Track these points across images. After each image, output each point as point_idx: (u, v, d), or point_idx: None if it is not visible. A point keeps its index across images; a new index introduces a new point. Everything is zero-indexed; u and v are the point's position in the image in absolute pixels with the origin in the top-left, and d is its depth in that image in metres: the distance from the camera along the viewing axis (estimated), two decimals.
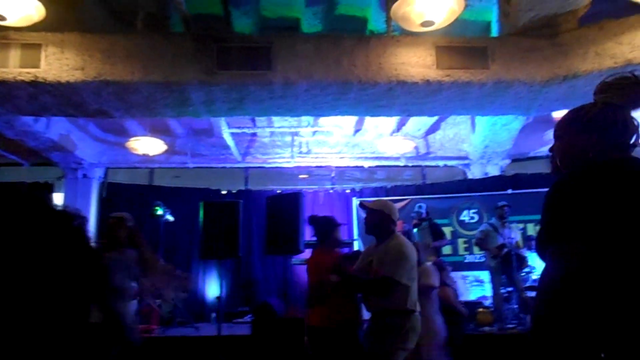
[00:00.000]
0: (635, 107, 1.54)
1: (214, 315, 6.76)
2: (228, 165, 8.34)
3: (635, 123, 1.51)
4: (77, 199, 7.77)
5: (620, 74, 1.56)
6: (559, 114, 6.75)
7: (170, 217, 6.83)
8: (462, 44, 4.65)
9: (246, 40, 4.62)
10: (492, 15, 4.85)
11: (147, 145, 6.82)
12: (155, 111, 5.14)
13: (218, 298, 6.03)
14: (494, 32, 4.88)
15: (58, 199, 7.80)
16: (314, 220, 3.60)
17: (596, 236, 1.34)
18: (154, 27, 4.90)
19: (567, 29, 4.43)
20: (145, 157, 7.26)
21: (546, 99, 4.79)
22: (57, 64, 4.35)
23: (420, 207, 6.94)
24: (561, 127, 1.60)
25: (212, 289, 7.48)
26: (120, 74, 4.42)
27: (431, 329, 4.22)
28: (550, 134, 5.53)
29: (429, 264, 4.50)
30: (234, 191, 8.26)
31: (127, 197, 7.91)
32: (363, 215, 8.03)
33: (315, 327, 3.30)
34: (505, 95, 4.78)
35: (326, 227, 3.54)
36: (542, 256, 1.50)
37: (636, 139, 1.50)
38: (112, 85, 4.48)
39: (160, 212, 6.63)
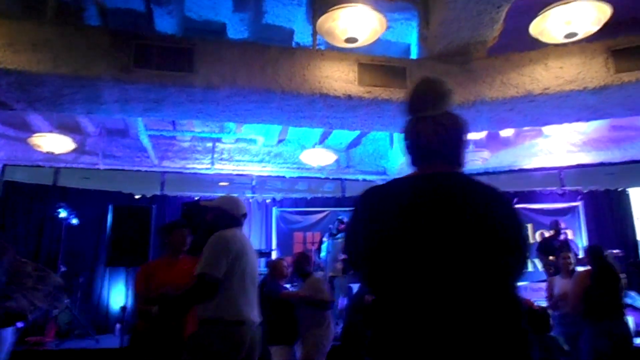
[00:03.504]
0: (416, 112, 1.47)
1: (118, 326, 6.37)
2: (143, 168, 7.96)
3: (436, 132, 1.42)
4: None
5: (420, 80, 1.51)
6: (468, 136, 7.21)
7: (74, 220, 6.37)
8: (383, 62, 4.83)
9: (168, 40, 4.45)
10: (412, 39, 5.09)
11: (52, 143, 6.33)
12: (63, 106, 4.78)
13: (123, 308, 5.70)
14: (413, 54, 5.13)
15: None
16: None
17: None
18: (66, 18, 4.59)
19: (477, 57, 4.76)
20: (50, 155, 6.73)
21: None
22: None
23: (343, 218, 7.03)
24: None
25: (118, 298, 7.06)
26: (24, 64, 4.06)
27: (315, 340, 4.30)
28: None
29: (319, 274, 4.62)
30: (148, 196, 7.90)
31: (26, 197, 7.28)
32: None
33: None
34: None
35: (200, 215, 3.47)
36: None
37: (438, 149, 1.41)
38: (14, 75, 4.10)
39: (63, 214, 6.16)
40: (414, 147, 1.45)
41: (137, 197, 7.83)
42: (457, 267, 1.23)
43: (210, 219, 2.91)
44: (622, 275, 4.69)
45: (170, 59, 4.33)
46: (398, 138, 7.61)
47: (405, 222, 1.28)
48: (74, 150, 6.97)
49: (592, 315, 4.24)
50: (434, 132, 1.42)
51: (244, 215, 2.96)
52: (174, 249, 3.50)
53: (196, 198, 8.01)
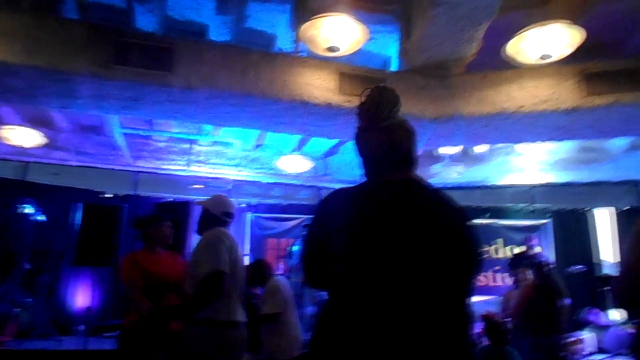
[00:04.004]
0: (368, 128, 1.48)
1: (82, 327, 6.20)
2: (116, 166, 7.79)
3: (408, 138, 1.45)
4: None
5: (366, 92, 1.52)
6: (444, 150, 7.34)
7: (41, 217, 6.19)
8: (364, 73, 4.88)
9: (148, 38, 4.41)
10: (393, 51, 5.16)
11: (22, 136, 6.15)
12: (36, 99, 4.67)
13: (88, 309, 5.56)
14: (394, 66, 5.20)
15: None
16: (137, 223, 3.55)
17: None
18: (44, 9, 4.48)
19: (456, 73, 4.86)
20: (19, 149, 6.53)
21: (434, 134, 5.18)
22: None
23: None
24: None
25: (83, 298, 6.87)
26: None
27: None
28: (435, 169, 5.94)
29: (279, 277, 4.57)
30: (120, 195, 7.74)
31: None
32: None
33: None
34: None
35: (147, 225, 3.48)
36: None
37: (406, 154, 1.44)
38: None
39: (30, 210, 5.98)
40: (381, 154, 1.45)
41: (108, 195, 7.67)
42: (415, 276, 1.24)
43: (197, 217, 2.97)
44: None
45: (150, 57, 4.28)
46: None
47: (374, 227, 1.28)
48: (45, 145, 6.79)
49: (530, 328, 4.38)
50: (407, 138, 1.45)
51: (227, 215, 2.97)
52: (159, 242, 3.43)
53: (169, 199, 7.90)
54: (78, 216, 5.73)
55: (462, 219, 1.36)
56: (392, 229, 1.27)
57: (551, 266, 4.72)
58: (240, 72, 4.52)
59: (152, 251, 3.40)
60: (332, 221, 1.34)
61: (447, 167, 7.38)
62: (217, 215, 2.92)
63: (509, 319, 5.05)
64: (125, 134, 7.12)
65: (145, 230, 3.45)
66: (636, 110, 4.64)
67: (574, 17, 4.02)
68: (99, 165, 7.72)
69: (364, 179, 1.53)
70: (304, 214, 8.34)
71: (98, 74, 4.17)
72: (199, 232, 2.93)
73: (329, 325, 1.28)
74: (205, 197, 3.14)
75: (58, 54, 4.08)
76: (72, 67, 4.11)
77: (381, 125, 1.45)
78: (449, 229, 1.31)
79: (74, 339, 5.97)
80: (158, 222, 3.50)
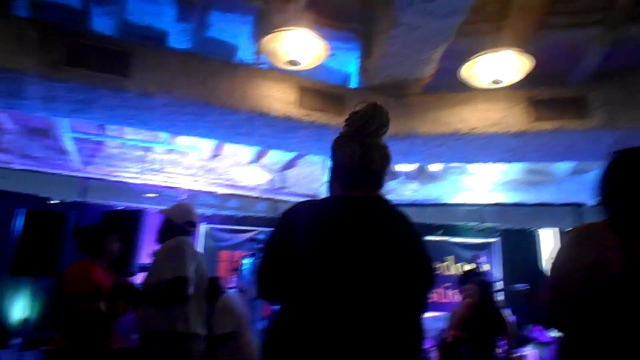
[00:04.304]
0: (350, 137, 1.49)
1: (18, 340, 5.85)
2: (65, 172, 7.47)
3: (382, 159, 1.47)
4: None
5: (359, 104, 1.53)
6: (400, 167, 7.48)
7: None
8: (325, 88, 4.94)
9: (104, 41, 4.28)
10: (353, 68, 5.24)
11: None
12: None
13: (26, 320, 5.26)
14: (354, 83, 5.28)
15: None
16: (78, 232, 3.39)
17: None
18: None
19: (413, 92, 4.99)
20: None
21: (391, 151, 5.27)
22: None
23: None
24: None
25: (20, 310, 6.49)
26: None
27: None
28: (391, 185, 6.05)
29: (231, 294, 4.49)
30: (67, 201, 7.41)
31: None
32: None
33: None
34: None
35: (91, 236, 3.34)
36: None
37: (376, 174, 1.45)
38: None
39: None
40: (350, 167, 1.45)
41: (53, 202, 7.32)
42: (372, 290, 1.26)
43: (159, 226, 2.90)
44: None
45: (106, 60, 4.16)
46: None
47: (334, 242, 1.29)
48: None
49: (472, 344, 4.53)
50: (380, 160, 1.48)
51: (190, 224, 2.92)
52: (105, 256, 3.27)
53: (120, 208, 7.64)
54: (20, 222, 5.44)
55: (418, 237, 1.41)
56: (351, 244, 1.28)
57: (496, 284, 4.90)
58: (199, 81, 4.47)
59: (98, 264, 3.25)
60: (294, 233, 1.33)
61: (402, 184, 7.52)
62: (180, 224, 2.85)
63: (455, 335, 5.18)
64: (76, 139, 6.85)
65: (90, 242, 3.28)
66: (579, 137, 4.91)
67: (524, 45, 4.22)
68: (46, 170, 7.38)
69: (327, 189, 1.53)
70: (260, 227, 8.26)
71: (48, 74, 4.00)
72: (160, 241, 2.83)
73: (282, 336, 1.28)
74: (161, 207, 3.07)
75: (6, 53, 3.90)
76: (21, 67, 3.93)
77: (363, 139, 1.47)
78: (406, 247, 1.35)
79: (9, 353, 5.61)
80: (105, 234, 3.34)
